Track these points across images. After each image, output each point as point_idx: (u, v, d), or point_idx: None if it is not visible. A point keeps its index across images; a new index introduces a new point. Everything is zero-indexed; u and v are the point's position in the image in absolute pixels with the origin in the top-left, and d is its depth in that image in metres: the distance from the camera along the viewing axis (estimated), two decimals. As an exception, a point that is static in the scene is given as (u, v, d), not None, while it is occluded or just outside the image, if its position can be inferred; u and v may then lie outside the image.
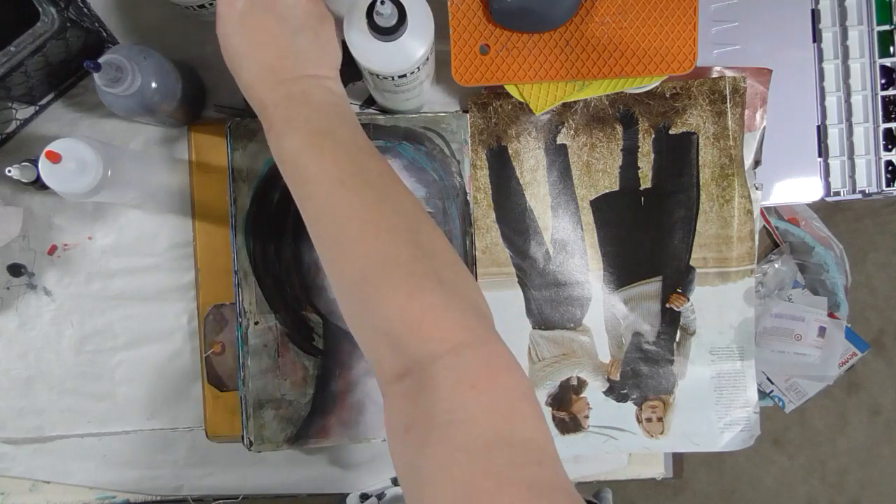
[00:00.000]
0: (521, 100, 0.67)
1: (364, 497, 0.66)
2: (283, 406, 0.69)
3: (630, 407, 0.71)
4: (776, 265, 1.21)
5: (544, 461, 0.38)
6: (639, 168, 0.70)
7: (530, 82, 0.66)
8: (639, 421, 0.71)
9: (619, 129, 0.70)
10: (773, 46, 0.71)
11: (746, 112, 0.70)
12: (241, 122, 0.67)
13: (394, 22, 0.51)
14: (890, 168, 0.72)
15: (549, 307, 0.71)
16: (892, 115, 0.72)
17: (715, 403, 0.72)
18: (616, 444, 0.71)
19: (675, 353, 0.71)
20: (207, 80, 0.70)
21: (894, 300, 1.45)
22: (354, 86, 0.70)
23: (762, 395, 1.34)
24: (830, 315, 1.25)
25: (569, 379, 0.71)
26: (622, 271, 0.71)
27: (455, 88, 0.70)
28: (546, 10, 0.62)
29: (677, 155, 0.70)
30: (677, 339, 0.71)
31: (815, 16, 0.72)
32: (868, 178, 0.73)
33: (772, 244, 1.24)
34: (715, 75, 0.69)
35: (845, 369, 1.38)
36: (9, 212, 0.68)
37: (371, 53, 0.55)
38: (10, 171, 0.59)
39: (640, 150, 0.70)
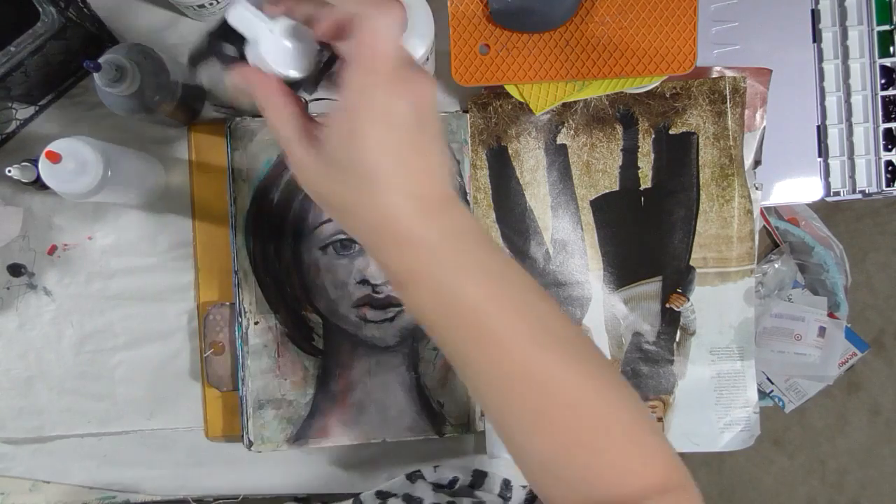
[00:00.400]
0: (521, 100, 0.67)
1: (382, 495, 0.65)
2: (283, 406, 0.69)
3: (630, 407, 0.71)
4: (776, 265, 1.21)
5: None
6: (639, 168, 0.70)
7: (530, 82, 0.66)
8: (639, 421, 0.71)
9: (619, 129, 0.70)
10: (773, 46, 0.71)
11: (746, 112, 0.70)
12: (241, 122, 0.67)
13: (394, 22, 0.51)
14: (890, 168, 0.72)
15: (549, 307, 0.71)
16: (892, 115, 0.72)
17: (715, 403, 0.72)
18: (616, 444, 0.71)
19: (675, 353, 0.71)
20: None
21: (894, 300, 1.45)
22: (354, 86, 0.70)
23: (762, 395, 1.33)
24: (830, 315, 1.25)
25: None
26: (622, 271, 0.71)
27: (455, 88, 0.70)
28: (546, 10, 0.62)
29: (677, 155, 0.70)
30: (677, 339, 0.71)
31: (815, 16, 0.72)
32: (868, 178, 0.73)
33: (772, 244, 1.24)
34: (715, 75, 0.69)
35: (845, 369, 1.38)
36: (9, 212, 0.68)
37: (371, 53, 0.55)
38: (10, 171, 0.59)
39: (640, 150, 0.70)
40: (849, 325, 1.31)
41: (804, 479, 1.49)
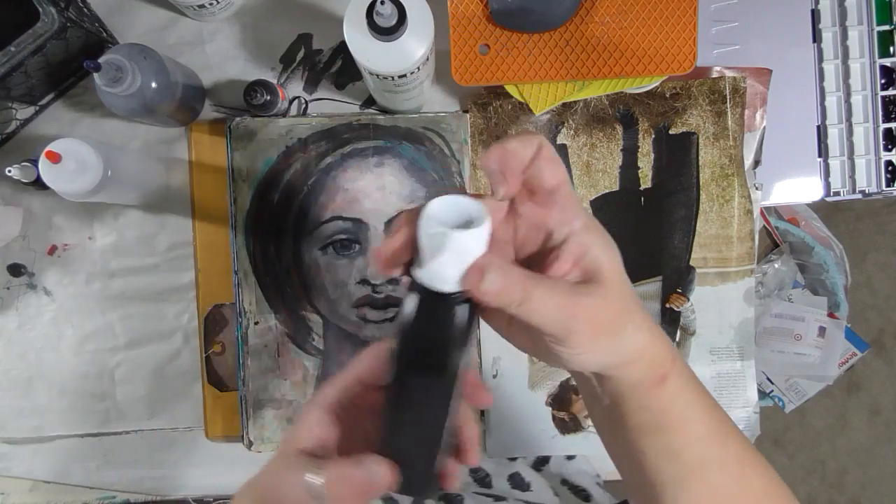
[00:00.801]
0: (521, 100, 0.67)
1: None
2: (283, 406, 0.69)
3: (630, 407, 0.71)
4: (776, 265, 1.21)
5: None
6: (639, 168, 0.70)
7: (530, 82, 0.66)
8: (639, 421, 0.71)
9: (619, 129, 0.70)
10: (773, 46, 0.71)
11: (746, 112, 0.70)
12: (241, 122, 0.67)
13: (394, 22, 0.51)
14: (890, 168, 0.72)
15: (549, 307, 0.71)
16: (892, 115, 0.72)
17: (715, 403, 0.72)
18: (616, 444, 0.71)
19: (675, 353, 0.71)
20: (207, 80, 0.70)
21: (894, 300, 1.45)
22: (354, 86, 0.70)
23: (762, 395, 1.34)
24: (830, 315, 1.25)
25: (569, 379, 0.71)
26: (622, 271, 0.71)
27: (455, 88, 0.70)
28: (546, 10, 0.62)
29: (677, 155, 0.70)
30: (677, 339, 0.71)
31: (815, 16, 0.72)
32: (868, 178, 0.73)
33: (772, 244, 1.24)
34: (715, 75, 0.69)
35: (845, 369, 1.38)
36: (9, 212, 0.68)
37: (371, 53, 0.55)
38: (10, 171, 0.59)
39: (640, 150, 0.70)
40: (849, 325, 1.32)
41: (804, 479, 1.49)
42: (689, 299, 0.71)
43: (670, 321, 0.71)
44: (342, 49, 0.70)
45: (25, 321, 0.70)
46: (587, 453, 0.72)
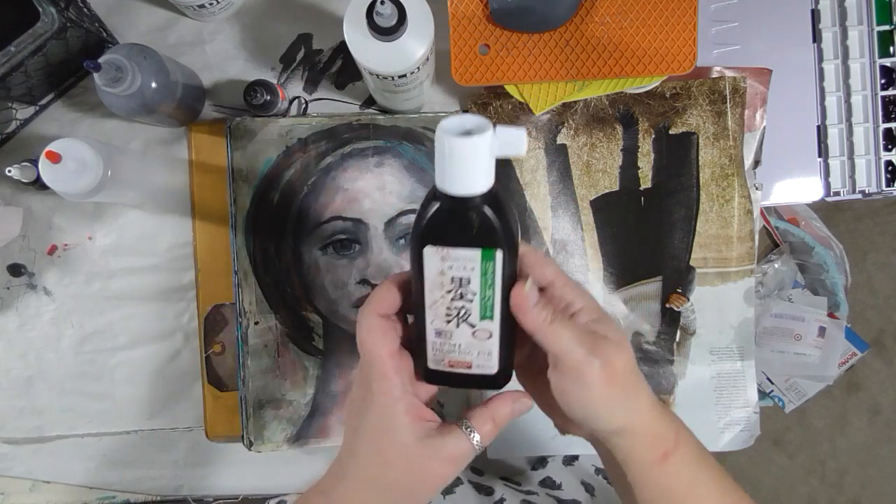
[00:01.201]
0: (521, 100, 0.67)
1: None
2: (283, 406, 0.69)
3: (630, 407, 0.71)
4: (776, 265, 1.21)
5: None
6: (639, 168, 0.70)
7: (530, 82, 0.66)
8: (639, 421, 0.71)
9: (619, 129, 0.70)
10: (773, 46, 0.71)
11: (746, 112, 0.70)
12: (241, 122, 0.67)
13: (394, 22, 0.51)
14: (890, 168, 0.72)
15: (549, 307, 0.71)
16: (892, 115, 0.72)
17: (715, 403, 0.72)
18: (616, 444, 0.71)
19: (675, 353, 0.71)
20: (207, 80, 0.70)
21: (894, 300, 1.45)
22: (354, 86, 0.70)
23: (762, 395, 1.33)
24: (830, 315, 1.25)
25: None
26: (622, 271, 0.71)
27: (455, 88, 0.70)
28: (546, 10, 0.62)
29: (677, 155, 0.70)
30: (677, 339, 0.71)
31: (815, 16, 0.72)
32: (868, 178, 0.73)
33: (772, 244, 1.24)
34: (715, 75, 0.69)
35: (845, 369, 1.38)
36: (9, 212, 0.68)
37: (371, 53, 0.55)
38: (10, 171, 0.59)
39: (640, 150, 0.70)
40: (849, 325, 1.31)
41: (804, 479, 1.49)
42: (689, 299, 0.71)
43: (670, 321, 0.71)
44: (342, 49, 0.70)
45: (25, 321, 0.70)
46: (588, 453, 0.72)
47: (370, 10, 0.51)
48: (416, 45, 0.55)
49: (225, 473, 0.72)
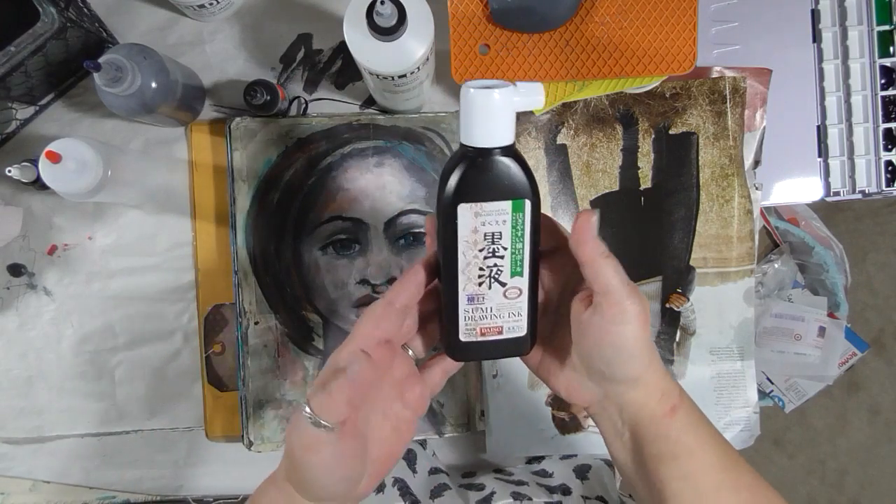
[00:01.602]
0: (521, 100, 0.67)
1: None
2: (283, 406, 0.69)
3: (630, 407, 0.71)
4: (776, 265, 1.21)
5: None
6: (639, 168, 0.70)
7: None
8: (639, 421, 0.71)
9: (619, 129, 0.70)
10: (773, 46, 0.71)
11: (746, 112, 0.70)
12: (241, 122, 0.67)
13: (394, 22, 0.51)
14: (890, 168, 0.72)
15: (549, 307, 0.71)
16: (892, 115, 0.72)
17: (715, 403, 0.72)
18: (616, 444, 0.71)
19: (675, 353, 0.71)
20: (207, 80, 0.70)
21: (894, 300, 1.45)
22: (354, 86, 0.70)
23: (762, 395, 1.34)
24: (830, 315, 1.25)
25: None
26: (622, 271, 0.71)
27: (455, 88, 0.70)
28: (546, 10, 0.62)
29: (677, 155, 0.70)
30: (677, 339, 0.71)
31: (815, 16, 0.72)
32: (868, 178, 0.73)
33: (772, 244, 1.25)
34: (715, 75, 0.69)
35: (845, 369, 1.38)
36: (9, 212, 0.68)
37: (371, 53, 0.55)
38: (10, 171, 0.59)
39: (640, 150, 0.70)
40: (849, 325, 1.31)
41: (804, 479, 1.49)
42: (689, 299, 0.71)
43: (670, 321, 0.71)
44: (342, 49, 0.70)
45: (25, 321, 0.70)
46: (587, 453, 0.72)
47: (370, 10, 0.51)
48: (416, 45, 0.55)
49: (225, 473, 0.72)
